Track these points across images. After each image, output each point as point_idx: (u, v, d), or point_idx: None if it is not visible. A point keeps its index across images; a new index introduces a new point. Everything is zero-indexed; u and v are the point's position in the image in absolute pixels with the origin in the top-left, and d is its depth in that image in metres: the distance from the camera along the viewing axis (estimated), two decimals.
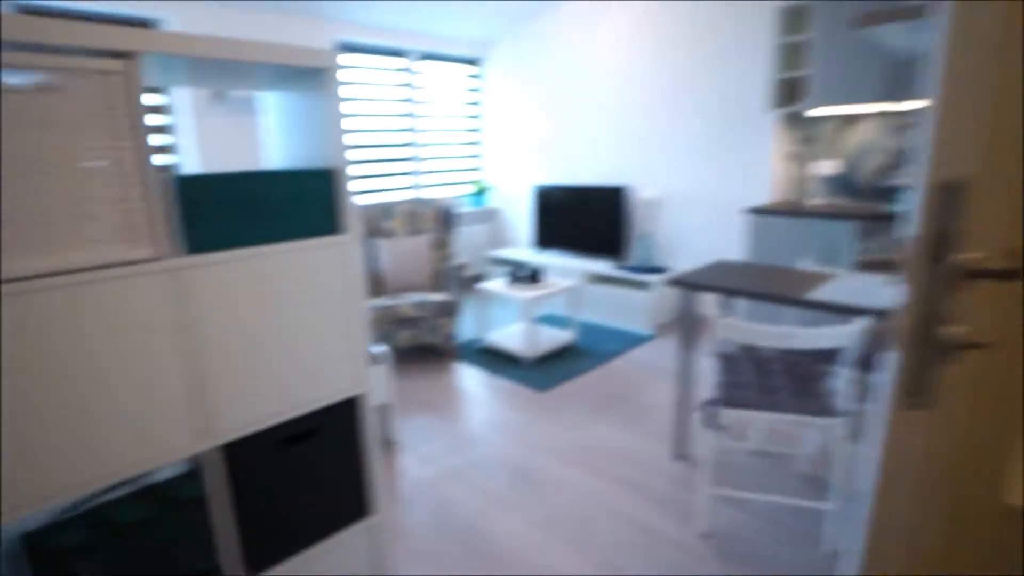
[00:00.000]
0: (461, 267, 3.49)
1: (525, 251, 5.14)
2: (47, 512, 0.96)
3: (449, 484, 2.18)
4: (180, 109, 3.68)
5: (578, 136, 4.75)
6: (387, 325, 3.37)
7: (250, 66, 1.12)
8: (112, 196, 0.92)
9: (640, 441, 2.48)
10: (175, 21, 3.54)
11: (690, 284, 2.10)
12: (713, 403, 1.80)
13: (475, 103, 5.46)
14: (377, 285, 3.73)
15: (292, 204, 1.15)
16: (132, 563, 1.00)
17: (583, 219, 4.63)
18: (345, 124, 1.23)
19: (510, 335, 3.69)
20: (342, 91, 1.21)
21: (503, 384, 3.14)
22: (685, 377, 2.28)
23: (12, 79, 0.82)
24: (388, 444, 2.50)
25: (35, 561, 0.90)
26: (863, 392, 1.70)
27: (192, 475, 1.06)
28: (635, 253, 4.41)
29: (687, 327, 2.23)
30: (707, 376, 3.07)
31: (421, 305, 3.33)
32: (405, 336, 3.43)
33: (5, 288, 0.83)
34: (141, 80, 0.93)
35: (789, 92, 3.48)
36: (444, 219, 3.90)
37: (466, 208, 5.40)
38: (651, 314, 3.99)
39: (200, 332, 1.04)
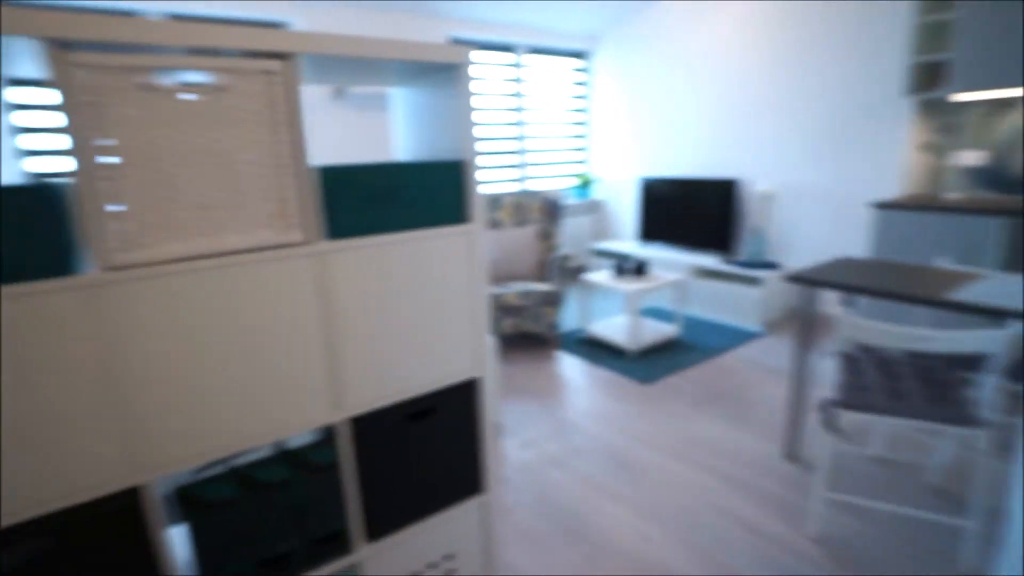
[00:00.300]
0: (565, 258, 3.54)
1: (629, 244, 5.09)
2: (200, 469, 1.13)
3: (551, 469, 2.26)
4: (304, 106, 4.06)
5: (687, 128, 4.60)
6: (492, 312, 3.52)
7: (381, 63, 1.19)
8: (268, 185, 1.03)
9: (748, 439, 2.41)
10: (300, 22, 3.89)
11: (812, 280, 2.00)
12: (833, 404, 1.72)
13: (581, 96, 5.46)
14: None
15: (424, 194, 1.25)
16: (270, 519, 1.13)
17: (690, 212, 4.50)
18: (474, 117, 1.32)
19: (613, 327, 3.69)
20: (473, 86, 1.30)
21: (605, 375, 3.16)
22: (801, 376, 2.17)
23: (188, 79, 0.93)
24: (491, 426, 2.63)
25: (188, 510, 1.04)
26: (1012, 404, 1.54)
27: (325, 443, 1.19)
28: (745, 248, 4.22)
29: (805, 325, 2.13)
30: (824, 377, 2.89)
31: (526, 294, 3.44)
32: (509, 324, 3.55)
33: (175, 267, 0.95)
34: (298, 79, 1.06)
35: (928, 76, 3.15)
36: (550, 211, 3.97)
37: (571, 200, 5.44)
38: (761, 311, 3.80)
39: (338, 312, 1.15)
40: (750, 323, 3.85)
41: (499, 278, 3.83)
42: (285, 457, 1.16)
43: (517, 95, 5.01)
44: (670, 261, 4.39)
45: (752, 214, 4.26)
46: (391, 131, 4.30)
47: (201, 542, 1.06)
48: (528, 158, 5.21)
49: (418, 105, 1.48)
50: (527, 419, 2.68)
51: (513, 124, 5.05)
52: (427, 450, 1.36)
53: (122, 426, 0.95)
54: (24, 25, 0.77)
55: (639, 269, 3.49)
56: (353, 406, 1.21)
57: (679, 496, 2.05)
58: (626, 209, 5.35)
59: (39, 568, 0.90)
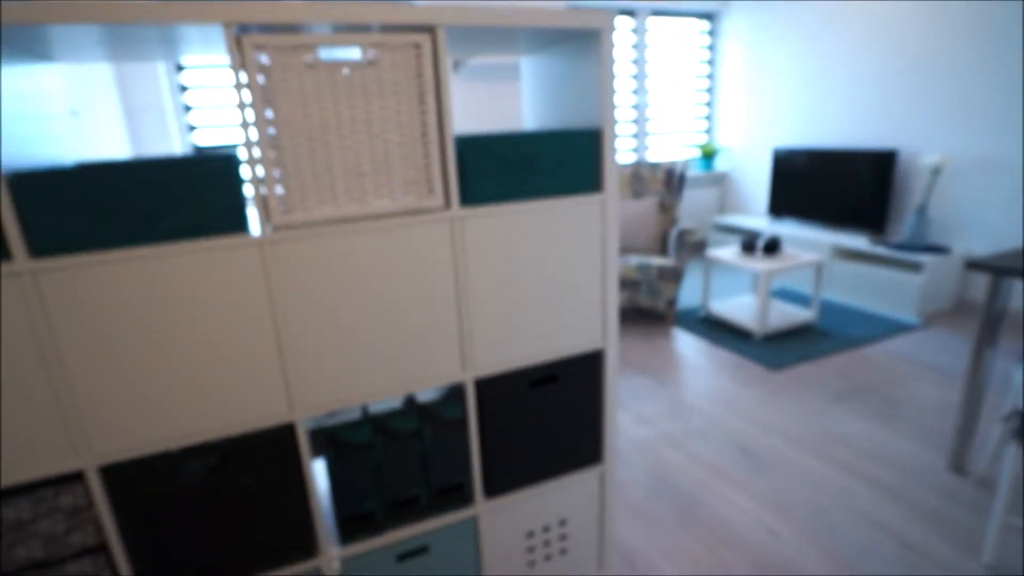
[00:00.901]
0: (686, 232, 3.34)
1: (758, 219, 4.70)
2: (345, 414, 1.23)
3: (666, 448, 2.17)
4: None
5: (834, 94, 4.08)
6: None
7: (517, 32, 1.17)
8: (414, 153, 1.07)
9: (899, 442, 2.14)
10: None
11: (1001, 268, 1.69)
12: None
13: (708, 61, 5.06)
14: None
15: (558, 163, 1.21)
16: (401, 465, 1.21)
17: (834, 186, 4.03)
18: (615, 84, 1.25)
19: (737, 306, 3.45)
20: (614, 52, 1.22)
21: (727, 356, 2.97)
22: (977, 378, 1.87)
23: (345, 55, 0.99)
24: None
25: (332, 450, 1.14)
26: None
27: (453, 400, 1.23)
28: (906, 228, 3.71)
29: (989, 320, 1.82)
30: (1005, 382, 2.49)
31: (643, 268, 3.30)
32: (624, 297, 3.45)
33: (328, 228, 1.02)
34: (444, 51, 1.06)
35: None
36: (671, 182, 3.76)
37: (694, 171, 5.12)
38: (920, 300, 3.34)
39: (470, 276, 1.17)
40: (904, 313, 3.41)
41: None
42: (416, 410, 1.20)
43: (638, 61, 4.74)
44: (806, 239, 3.98)
45: (913, 189, 3.72)
46: (509, 102, 4.29)
47: (337, 478, 1.14)
48: (649, 127, 4.95)
49: (549, 74, 1.43)
50: (642, 395, 2.60)
51: (633, 92, 4.80)
52: (548, 417, 1.35)
53: (286, 369, 1.05)
54: (210, 13, 0.86)
55: (770, 246, 3.20)
56: (480, 367, 1.23)
57: (815, 494, 1.88)
58: (755, 182, 4.92)
59: (218, 478, 1.05)
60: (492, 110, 4.26)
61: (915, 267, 3.43)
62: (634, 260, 3.38)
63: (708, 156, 5.11)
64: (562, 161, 1.23)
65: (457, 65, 4.13)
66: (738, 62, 4.85)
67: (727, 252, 3.36)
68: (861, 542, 1.66)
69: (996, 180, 3.30)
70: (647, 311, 3.69)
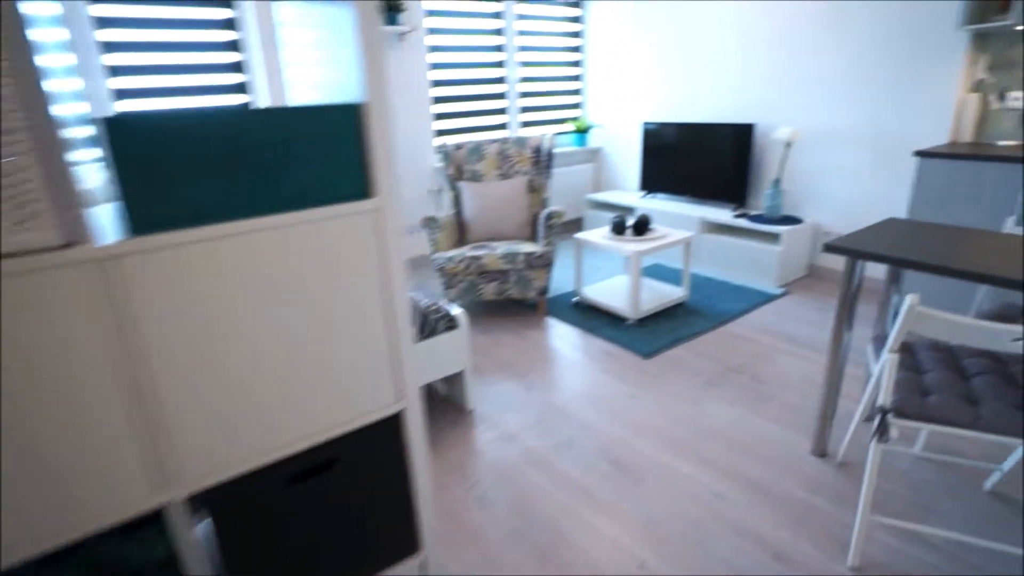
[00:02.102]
0: (554, 215, 3.11)
1: (631, 195, 4.62)
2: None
3: (531, 470, 1.92)
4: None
5: (697, 68, 4.03)
6: (470, 277, 3.12)
7: None
8: None
9: (768, 427, 2.05)
10: None
11: (857, 252, 1.58)
12: (889, 411, 1.33)
13: (576, 34, 4.85)
14: (462, 233, 3.46)
15: (295, 157, 0.84)
16: None
17: (699, 161, 4.00)
18: (378, 36, 0.88)
19: (610, 290, 3.30)
20: None
21: (600, 346, 2.79)
22: (836, 361, 1.79)
23: None
24: (464, 414, 2.28)
25: None
26: None
27: (156, 535, 0.84)
28: (763, 201, 3.76)
29: (845, 301, 1.72)
30: (860, 355, 2.52)
31: (510, 256, 3.02)
32: (491, 289, 3.16)
33: None
34: None
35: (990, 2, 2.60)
36: (539, 160, 3.50)
37: (566, 148, 4.93)
38: (779, 270, 3.39)
39: (152, 346, 0.78)
40: (767, 284, 3.45)
41: (480, 238, 3.41)
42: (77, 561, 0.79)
43: (502, 33, 4.41)
44: (675, 215, 3.93)
45: (770, 163, 3.77)
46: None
47: None
48: (518, 103, 4.66)
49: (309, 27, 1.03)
50: (508, 404, 2.33)
51: (496, 64, 4.48)
52: (328, 516, 0.99)
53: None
54: None
55: (640, 226, 3.05)
56: (194, 478, 0.84)
57: (686, 506, 1.71)
58: (628, 158, 4.84)
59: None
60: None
61: (773, 238, 3.47)
62: (500, 248, 3.09)
63: (581, 132, 4.93)
64: (303, 154, 0.85)
65: None
66: (606, 35, 4.68)
67: (597, 234, 3.17)
68: (732, 559, 1.50)
69: (845, 153, 3.40)
70: (519, 302, 3.43)
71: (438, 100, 4.22)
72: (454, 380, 2.31)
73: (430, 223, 3.18)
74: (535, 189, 3.54)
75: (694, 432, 2.07)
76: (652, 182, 4.39)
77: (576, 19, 4.79)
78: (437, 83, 4.18)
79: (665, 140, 4.20)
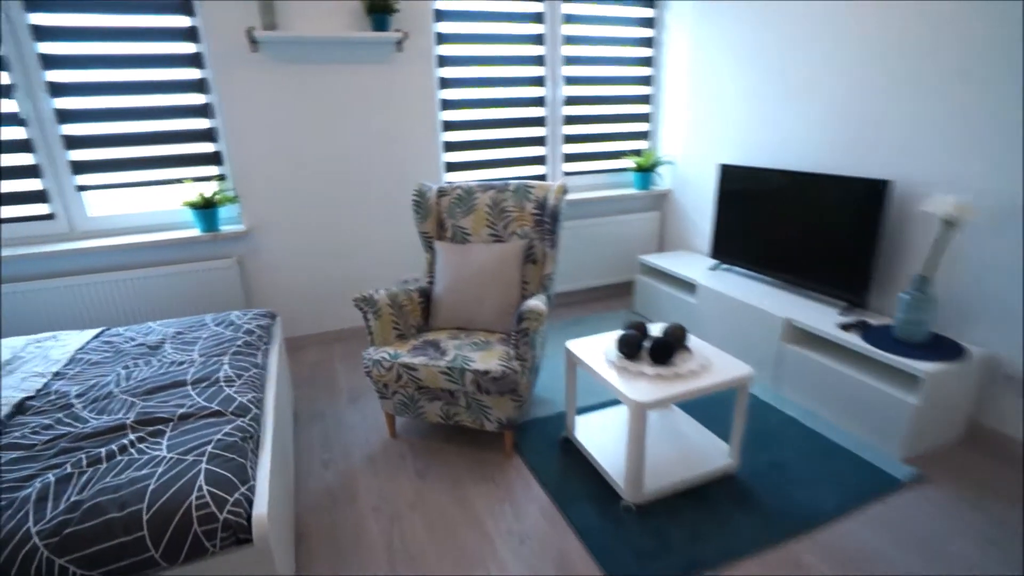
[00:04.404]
0: (533, 314, 2.05)
1: (697, 264, 3.37)
2: None
3: None
4: None
5: (804, 87, 2.73)
6: (407, 391, 2.16)
7: None
8: None
9: None
10: None
11: None
12: None
13: (648, 41, 3.69)
14: (427, 315, 2.50)
15: None
16: None
17: (798, 227, 2.70)
18: None
19: (616, 432, 2.16)
20: None
21: (568, 546, 1.70)
22: None
23: None
24: None
25: None
26: None
27: None
28: (896, 307, 2.41)
29: None
30: None
31: (456, 373, 2.01)
32: (435, 410, 2.17)
33: None
34: None
35: None
36: (543, 219, 2.46)
37: (622, 191, 3.79)
38: (912, 434, 2.04)
39: None
40: (886, 453, 2.11)
41: (446, 325, 2.43)
42: None
43: (540, 39, 3.40)
44: (749, 308, 2.66)
45: (912, 246, 2.38)
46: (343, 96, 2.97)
47: None
48: (560, 130, 3.61)
49: None
50: None
51: (534, 81, 3.46)
52: None
53: None
54: None
55: (663, 349, 1.88)
56: None
57: None
58: (703, 210, 3.58)
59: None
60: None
61: (907, 379, 2.12)
62: (448, 356, 2.09)
63: (645, 170, 3.77)
64: None
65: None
66: (682, 55, 3.48)
67: (597, 348, 2.05)
68: None
69: None
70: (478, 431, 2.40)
71: (449, 127, 3.31)
72: None
73: (365, 303, 2.26)
74: (536, 260, 2.49)
75: None
76: (727, 249, 3.13)
77: (648, 21, 3.64)
78: (448, 104, 3.27)
79: (751, 191, 2.93)
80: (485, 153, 3.45)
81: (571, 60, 3.49)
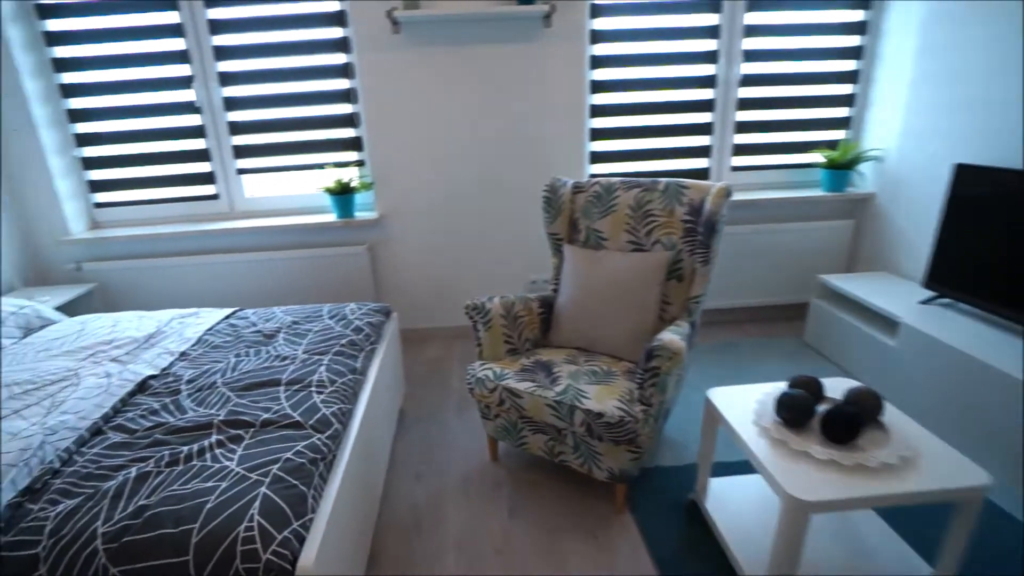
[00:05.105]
0: (665, 352, 1.64)
1: (902, 292, 2.60)
2: None
3: None
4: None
5: None
6: (509, 416, 1.90)
7: None
8: None
9: None
10: None
11: None
12: None
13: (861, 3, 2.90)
14: (546, 328, 2.21)
15: None
16: None
17: None
18: None
19: (752, 515, 1.67)
20: None
21: None
22: None
23: None
24: None
25: None
26: None
27: None
28: None
29: None
30: None
31: (564, 410, 1.70)
32: (538, 443, 1.89)
33: None
34: None
35: None
36: (696, 228, 2.01)
37: (807, 193, 3.10)
38: None
39: None
40: None
41: (567, 343, 2.12)
42: None
43: (716, 4, 2.83)
44: (975, 367, 1.92)
45: None
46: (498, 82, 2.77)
47: None
48: (733, 117, 3.02)
49: None
50: None
51: (704, 58, 2.91)
52: None
53: None
54: None
55: (841, 425, 1.36)
56: None
57: None
58: (917, 222, 2.75)
59: None
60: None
61: None
62: (560, 385, 1.78)
63: (840, 167, 3.02)
64: None
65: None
66: (915, 5, 2.66)
67: (745, 405, 1.59)
68: None
69: None
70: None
71: (598, 111, 2.95)
72: None
73: (475, 312, 2.04)
74: (682, 277, 2.06)
75: None
76: (952, 277, 2.33)
77: None
78: (599, 86, 2.90)
79: (1001, 202, 2.12)
80: (638, 142, 3.02)
81: (753, 30, 2.88)
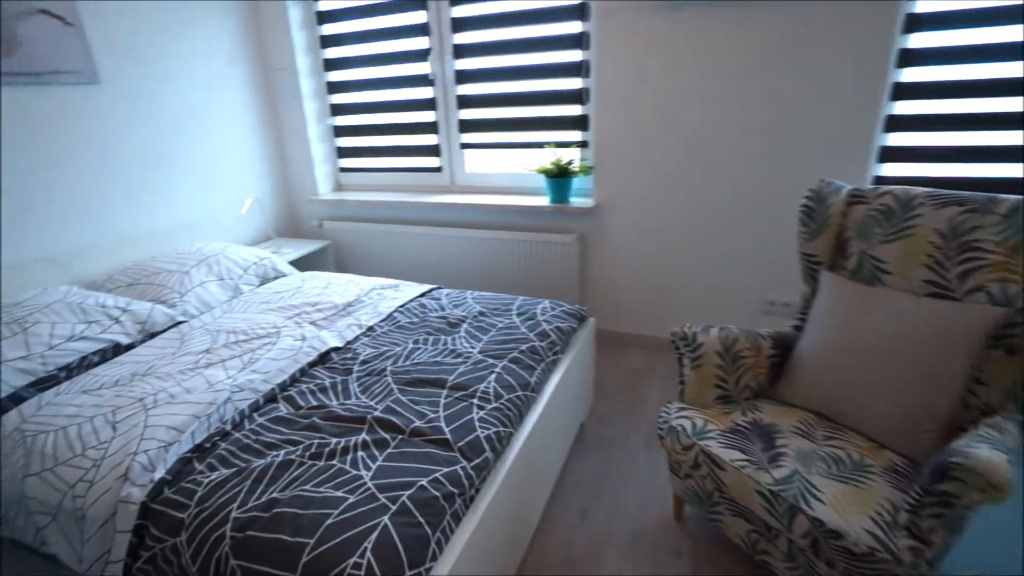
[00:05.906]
0: (967, 469, 1.02)
1: None
2: None
3: None
4: None
5: None
6: (702, 481, 1.46)
7: None
8: None
9: None
10: None
11: None
12: None
13: None
14: (776, 376, 1.66)
15: None
16: None
17: None
18: None
19: None
20: None
21: None
22: None
23: None
24: None
25: None
26: None
27: None
28: None
29: None
30: None
31: (789, 509, 1.20)
32: (734, 527, 1.41)
33: None
34: None
35: None
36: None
37: None
38: None
39: None
40: None
41: (806, 403, 1.57)
42: None
43: None
44: None
45: None
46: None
47: None
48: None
49: None
50: None
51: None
52: None
53: None
54: None
55: None
56: None
57: None
58: None
59: None
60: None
61: None
62: (779, 468, 1.28)
63: None
64: None
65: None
66: None
67: None
68: None
69: None
70: None
71: (901, 92, 2.15)
72: None
73: (683, 342, 1.62)
74: (1015, 348, 1.33)
75: None
76: None
77: None
78: (911, 57, 2.10)
79: None
80: (950, 137, 2.14)
81: None
